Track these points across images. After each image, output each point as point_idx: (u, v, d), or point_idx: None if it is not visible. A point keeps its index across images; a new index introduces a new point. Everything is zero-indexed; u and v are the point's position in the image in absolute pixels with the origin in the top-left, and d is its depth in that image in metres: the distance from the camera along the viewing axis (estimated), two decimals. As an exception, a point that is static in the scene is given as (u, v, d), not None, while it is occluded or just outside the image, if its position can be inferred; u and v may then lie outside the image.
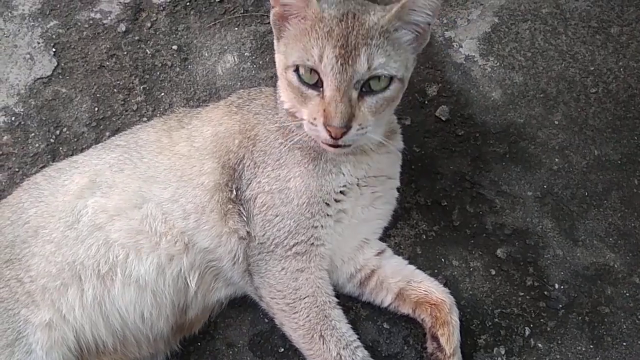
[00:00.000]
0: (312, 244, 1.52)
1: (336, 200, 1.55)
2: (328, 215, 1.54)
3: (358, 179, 1.58)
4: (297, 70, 1.36)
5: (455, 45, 2.07)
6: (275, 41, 1.49)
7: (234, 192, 1.53)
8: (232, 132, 1.58)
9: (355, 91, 1.33)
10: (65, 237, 1.44)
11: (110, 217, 1.47)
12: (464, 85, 1.99)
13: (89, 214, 1.46)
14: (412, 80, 1.96)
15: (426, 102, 1.98)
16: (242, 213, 1.53)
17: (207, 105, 1.72)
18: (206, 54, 2.13)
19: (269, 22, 2.15)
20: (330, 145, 1.37)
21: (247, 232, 1.52)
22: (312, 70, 1.34)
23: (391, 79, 1.36)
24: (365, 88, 1.35)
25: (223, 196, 1.52)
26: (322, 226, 1.53)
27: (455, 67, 2.03)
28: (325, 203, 1.53)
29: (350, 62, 1.30)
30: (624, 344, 1.66)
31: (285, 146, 1.51)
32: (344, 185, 1.56)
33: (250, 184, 1.54)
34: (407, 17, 1.37)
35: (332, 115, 1.30)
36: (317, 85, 1.35)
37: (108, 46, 2.11)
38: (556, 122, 1.93)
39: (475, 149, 1.90)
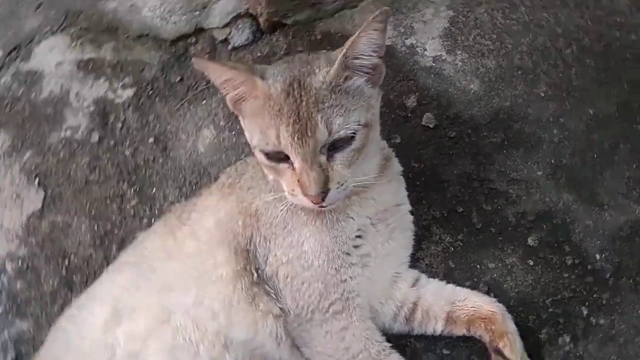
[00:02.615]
0: (347, 298, 1.49)
1: (355, 247, 1.52)
2: (352, 264, 1.51)
3: (369, 217, 1.55)
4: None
5: (419, 51, 2.04)
6: (240, 117, 1.48)
7: (255, 274, 1.50)
8: (232, 215, 1.55)
9: (322, 155, 1.33)
10: None
11: (143, 341, 1.44)
12: (441, 87, 1.96)
13: (122, 345, 1.43)
14: (389, 97, 1.96)
15: (409, 114, 1.95)
16: (270, 291, 1.49)
17: (201, 193, 1.69)
18: (184, 137, 2.12)
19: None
20: (320, 206, 1.36)
21: (281, 309, 1.49)
22: None
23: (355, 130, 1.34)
24: (332, 147, 1.34)
25: (245, 282, 1.49)
26: (350, 277, 1.49)
27: (426, 72, 2.00)
28: (346, 253, 1.50)
29: (308, 133, 1.29)
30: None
31: (286, 212, 1.48)
32: (358, 229, 1.53)
33: (267, 260, 1.51)
34: (352, 65, 1.34)
35: (307, 185, 1.31)
36: (286, 158, 1.34)
37: (87, 160, 2.09)
38: (542, 94, 1.90)
39: (471, 146, 1.86)
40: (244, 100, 1.41)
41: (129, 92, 2.23)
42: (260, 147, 1.37)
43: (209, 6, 2.37)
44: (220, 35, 2.27)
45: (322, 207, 1.36)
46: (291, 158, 1.33)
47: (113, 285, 1.54)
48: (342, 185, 1.35)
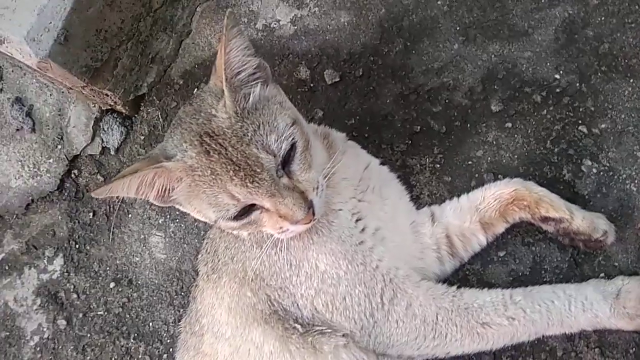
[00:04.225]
0: (390, 280, 1.39)
1: (362, 231, 1.42)
2: (371, 248, 1.40)
3: (353, 197, 1.45)
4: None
5: (274, 25, 1.93)
6: (177, 206, 1.33)
7: (299, 326, 1.37)
8: (237, 293, 1.42)
9: (282, 178, 1.21)
10: None
11: None
12: (318, 41, 1.86)
13: None
14: (283, 83, 1.84)
15: (311, 85, 1.85)
16: (323, 329, 1.37)
17: (195, 298, 1.54)
18: (137, 259, 1.95)
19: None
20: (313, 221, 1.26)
21: (344, 335, 1.37)
22: None
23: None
24: (284, 164, 1.22)
25: (295, 339, 1.36)
26: (379, 260, 1.40)
27: (295, 38, 1.89)
28: (358, 244, 1.39)
29: (257, 170, 1.16)
30: None
31: (281, 251, 1.36)
32: (353, 214, 1.43)
33: (298, 305, 1.39)
34: (239, 82, 1.22)
35: (291, 214, 1.19)
36: (253, 206, 1.22)
37: (72, 346, 1.92)
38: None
39: (383, 69, 1.78)
40: (169, 191, 1.26)
41: (59, 261, 2.06)
42: (221, 217, 1.24)
43: (64, 134, 2.18)
44: (95, 149, 2.09)
45: (314, 220, 1.26)
46: (258, 204, 1.21)
47: None
48: (318, 187, 1.26)
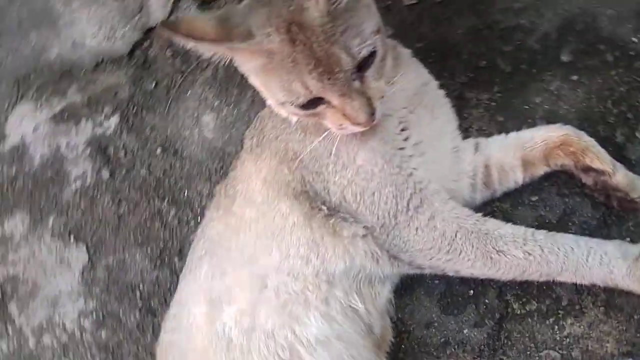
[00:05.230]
0: (421, 189, 1.43)
1: (405, 140, 1.46)
2: (410, 156, 1.44)
3: (404, 107, 1.48)
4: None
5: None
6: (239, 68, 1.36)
7: (325, 208, 1.44)
8: (275, 168, 1.48)
9: (355, 81, 1.24)
10: (234, 359, 1.37)
11: (251, 314, 1.39)
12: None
13: (234, 327, 1.38)
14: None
15: (389, 2, 1.87)
16: (346, 217, 1.44)
17: (235, 166, 1.62)
18: (187, 133, 2.05)
19: (207, 65, 2.11)
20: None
21: (364, 227, 1.43)
22: None
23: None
24: (359, 68, 1.24)
25: (319, 219, 1.43)
26: (414, 169, 1.43)
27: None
28: (399, 149, 1.44)
29: (335, 69, 1.19)
30: None
31: (324, 140, 1.40)
32: (400, 122, 1.46)
33: (329, 191, 1.45)
34: None
35: (355, 115, 1.23)
36: (321, 99, 1.25)
37: (109, 197, 2.04)
38: None
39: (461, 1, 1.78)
40: (239, 64, 1.31)
41: (115, 120, 2.17)
42: (289, 102, 1.27)
43: (144, 6, 2.28)
44: (170, 25, 2.18)
45: (373, 124, 1.30)
46: (327, 98, 1.25)
47: (197, 282, 1.49)
48: (382, 97, 1.29)
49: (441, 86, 1.62)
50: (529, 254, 1.38)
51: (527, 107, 1.66)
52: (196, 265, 1.53)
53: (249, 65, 1.31)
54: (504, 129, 1.64)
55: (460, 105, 1.69)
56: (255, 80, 1.36)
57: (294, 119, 1.43)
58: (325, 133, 1.37)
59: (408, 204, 1.42)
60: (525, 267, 1.39)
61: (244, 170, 1.56)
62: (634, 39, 1.61)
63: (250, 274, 1.42)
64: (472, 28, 1.75)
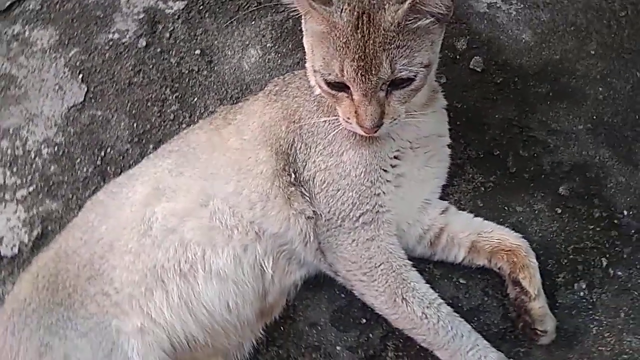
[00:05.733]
0: (378, 211, 1.52)
1: (392, 166, 1.55)
2: (387, 181, 1.54)
3: (410, 141, 1.58)
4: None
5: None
6: (302, 24, 1.47)
7: (293, 175, 1.54)
8: (276, 120, 1.59)
9: (382, 91, 1.35)
10: (142, 245, 1.47)
11: (180, 219, 1.49)
12: (492, 33, 1.97)
13: (160, 220, 1.48)
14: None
15: (458, 56, 1.97)
16: (305, 194, 1.53)
17: (247, 99, 1.73)
18: (229, 53, 2.14)
19: (283, 10, 2.19)
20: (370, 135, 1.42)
21: (313, 212, 1.53)
22: None
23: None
24: (392, 84, 1.35)
25: (283, 181, 1.53)
26: (383, 192, 1.53)
27: (480, 17, 2.01)
28: (383, 169, 1.53)
29: (372, 71, 1.30)
30: None
31: (329, 124, 1.52)
32: (397, 150, 1.56)
33: (305, 165, 1.54)
34: (422, 9, 1.31)
35: (363, 117, 1.34)
36: (346, 87, 1.36)
37: (133, 63, 2.13)
38: (592, 52, 1.91)
39: (516, 93, 1.88)
40: (305, 20, 1.41)
41: (180, 5, 2.25)
42: (321, 74, 1.38)
43: None
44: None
45: (373, 135, 1.42)
46: (352, 90, 1.35)
47: (156, 168, 1.59)
48: (394, 119, 1.40)
49: (451, 147, 1.73)
50: (426, 317, 1.46)
51: (506, 208, 1.75)
52: (163, 155, 1.63)
53: (312, 25, 1.40)
54: (476, 213, 1.73)
55: (456, 173, 1.80)
56: (308, 40, 1.47)
57: (317, 90, 1.53)
58: (334, 118, 1.47)
59: (359, 216, 1.51)
60: (417, 326, 1.48)
61: (252, 107, 1.66)
62: (625, 212, 1.71)
63: (201, 188, 1.52)
64: (508, 120, 1.84)
